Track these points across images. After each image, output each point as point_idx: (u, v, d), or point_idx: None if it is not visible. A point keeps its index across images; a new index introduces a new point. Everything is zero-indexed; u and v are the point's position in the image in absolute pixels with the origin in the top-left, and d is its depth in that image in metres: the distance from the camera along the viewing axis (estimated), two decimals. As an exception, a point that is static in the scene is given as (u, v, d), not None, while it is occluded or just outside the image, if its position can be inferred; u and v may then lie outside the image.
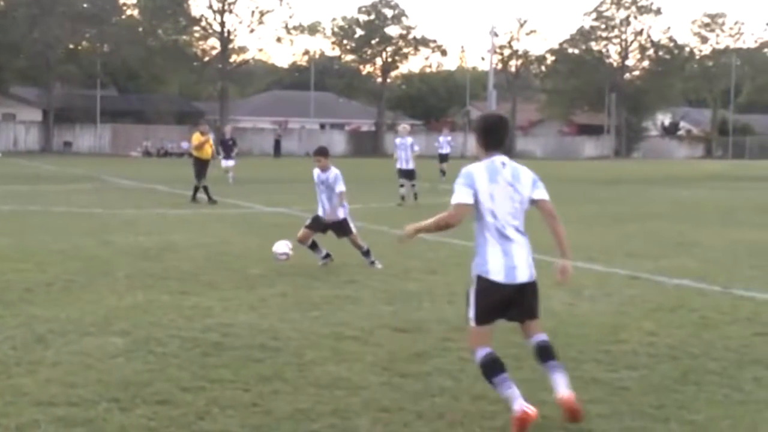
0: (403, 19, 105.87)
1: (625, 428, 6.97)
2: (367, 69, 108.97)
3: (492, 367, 6.77)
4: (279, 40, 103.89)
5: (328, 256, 14.90)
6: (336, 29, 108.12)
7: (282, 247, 14.53)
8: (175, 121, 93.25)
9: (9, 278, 13.35)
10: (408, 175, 28.76)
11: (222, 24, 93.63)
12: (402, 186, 28.61)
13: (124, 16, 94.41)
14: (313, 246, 14.94)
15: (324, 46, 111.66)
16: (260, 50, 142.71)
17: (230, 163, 38.07)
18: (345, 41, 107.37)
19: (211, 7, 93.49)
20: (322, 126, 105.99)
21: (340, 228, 15.05)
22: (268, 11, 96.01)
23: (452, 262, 15.39)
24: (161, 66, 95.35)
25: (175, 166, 53.59)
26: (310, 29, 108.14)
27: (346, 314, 11.01)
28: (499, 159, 6.90)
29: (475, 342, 6.91)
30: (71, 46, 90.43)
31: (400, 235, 7.31)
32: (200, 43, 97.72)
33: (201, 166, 28.73)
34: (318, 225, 15.02)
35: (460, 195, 6.79)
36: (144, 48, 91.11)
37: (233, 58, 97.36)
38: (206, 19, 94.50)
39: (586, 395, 7.49)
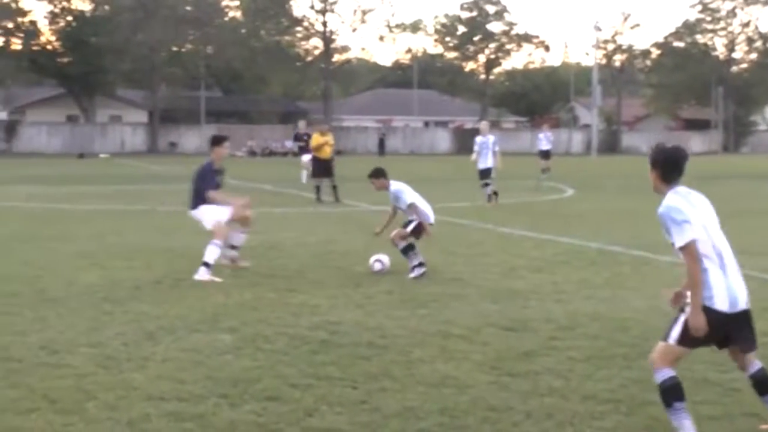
0: (506, 15, 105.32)
1: (737, 430, 6.82)
2: (469, 66, 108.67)
3: (675, 391, 6.35)
4: (381, 38, 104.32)
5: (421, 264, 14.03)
6: (438, 27, 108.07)
7: (376, 261, 14.05)
8: (279, 121, 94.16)
9: (118, 276, 13.59)
10: (488, 174, 27.56)
11: (324, 24, 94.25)
12: (486, 185, 27.41)
13: (226, 18, 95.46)
14: (405, 252, 14.15)
15: (426, 43, 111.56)
16: (363, 49, 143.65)
17: (307, 158, 37.86)
18: (447, 38, 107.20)
19: (313, 7, 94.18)
20: (426, 124, 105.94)
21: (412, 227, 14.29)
22: (369, 10, 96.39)
23: (558, 260, 15.23)
24: (264, 67, 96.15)
25: (279, 166, 54.02)
26: (412, 27, 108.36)
27: (453, 312, 10.97)
28: (682, 189, 6.55)
29: (664, 361, 6.43)
30: (175, 49, 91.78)
31: (701, 325, 6.33)
32: (303, 43, 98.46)
33: (319, 165, 28.84)
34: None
35: (686, 233, 6.31)
36: (247, 49, 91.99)
37: (336, 57, 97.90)
38: (308, 19, 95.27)
39: (697, 396, 7.34)
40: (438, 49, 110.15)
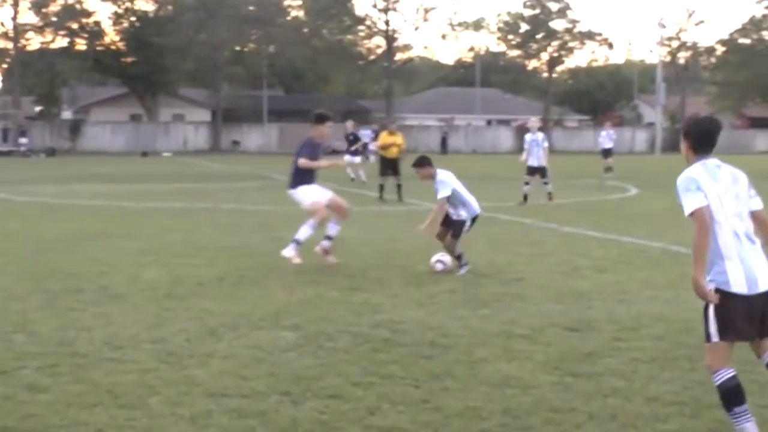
0: (568, 12, 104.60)
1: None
2: (532, 64, 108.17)
3: (735, 394, 6.16)
4: (444, 37, 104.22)
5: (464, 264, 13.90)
6: (501, 24, 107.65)
7: (437, 261, 13.82)
8: (341, 119, 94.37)
9: (181, 273, 13.69)
10: (540, 172, 27.10)
11: (386, 22, 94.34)
12: (527, 184, 26.75)
13: (288, 18, 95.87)
14: (459, 257, 13.92)
15: (489, 41, 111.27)
16: (425, 48, 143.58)
17: (354, 159, 37.77)
18: (510, 36, 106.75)
19: (375, 6, 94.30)
20: (489, 122, 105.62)
21: (454, 225, 13.97)
22: (432, 8, 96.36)
23: (622, 260, 15.08)
24: (326, 66, 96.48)
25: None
26: (475, 25, 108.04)
27: (515, 312, 10.90)
28: (711, 161, 6.37)
29: (716, 361, 6.24)
30: (237, 48, 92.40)
31: (702, 293, 6.21)
32: (365, 42, 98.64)
33: (385, 164, 28.85)
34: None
35: (693, 200, 6.15)
36: (309, 48, 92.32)
37: (398, 56, 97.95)
38: (370, 18, 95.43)
39: (762, 400, 7.21)
40: (501, 47, 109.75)
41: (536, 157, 27.02)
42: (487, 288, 12.53)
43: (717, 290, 6.17)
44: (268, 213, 23.61)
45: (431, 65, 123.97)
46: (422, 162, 14.28)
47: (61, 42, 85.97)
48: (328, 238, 14.71)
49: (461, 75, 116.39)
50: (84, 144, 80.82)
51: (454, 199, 13.95)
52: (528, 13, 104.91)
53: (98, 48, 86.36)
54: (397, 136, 29.42)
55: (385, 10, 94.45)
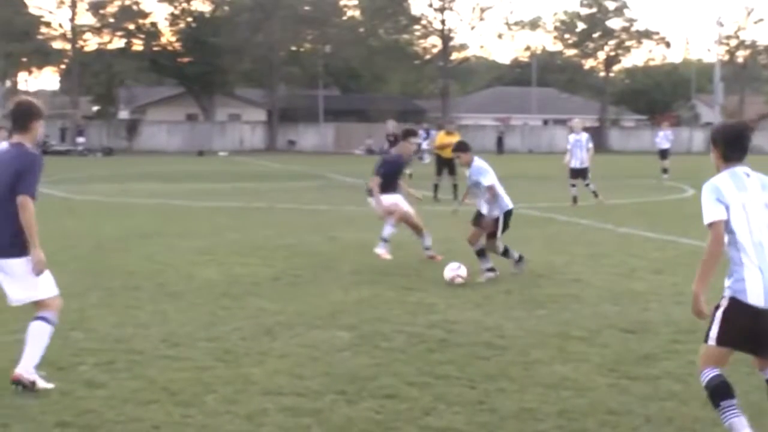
0: (625, 11, 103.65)
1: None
2: (589, 63, 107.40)
3: (722, 389, 6.14)
4: (500, 36, 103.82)
5: (521, 259, 13.69)
6: (557, 23, 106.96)
7: (450, 272, 12.93)
8: (397, 119, 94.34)
9: (237, 272, 13.76)
10: (582, 174, 26.65)
11: (442, 22, 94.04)
12: (574, 186, 26.37)
13: (345, 17, 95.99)
14: (505, 252, 13.64)
15: (545, 41, 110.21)
16: (481, 47, 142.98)
17: None
18: (567, 35, 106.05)
19: (431, 5, 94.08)
20: (545, 122, 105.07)
21: (485, 220, 13.42)
22: (488, 7, 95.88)
23: (679, 262, 14.91)
24: (382, 65, 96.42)
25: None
26: (531, 24, 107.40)
27: (572, 314, 10.83)
28: (741, 169, 6.24)
29: (707, 361, 6.25)
30: (293, 48, 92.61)
31: (698, 309, 6.21)
32: (421, 41, 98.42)
33: (441, 164, 28.79)
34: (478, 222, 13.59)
35: (712, 211, 6.09)
36: (365, 48, 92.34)
37: (454, 55, 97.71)
38: (426, 17, 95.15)
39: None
40: (557, 47, 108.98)
41: (578, 159, 26.67)
42: (544, 289, 12.46)
43: (732, 298, 6.09)
44: (323, 212, 23.67)
45: (487, 65, 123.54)
46: (465, 147, 13.97)
47: (119, 43, 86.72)
48: (427, 248, 15.20)
49: (517, 74, 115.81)
50: (141, 143, 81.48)
51: (486, 191, 13.44)
52: (585, 11, 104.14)
53: (155, 48, 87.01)
54: (454, 137, 29.24)
55: (441, 10, 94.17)
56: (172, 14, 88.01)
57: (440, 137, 29.81)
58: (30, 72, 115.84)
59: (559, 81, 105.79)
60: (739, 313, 6.06)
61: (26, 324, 7.82)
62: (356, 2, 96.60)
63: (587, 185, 26.58)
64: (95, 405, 7.25)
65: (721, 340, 6.15)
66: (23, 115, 7.82)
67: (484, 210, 13.46)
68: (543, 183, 30.59)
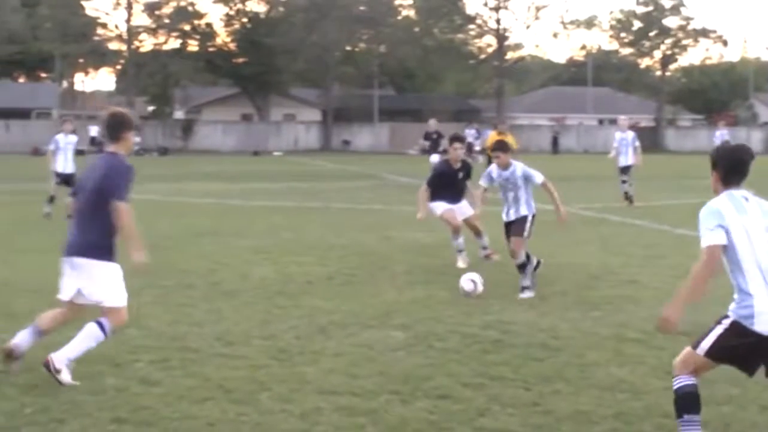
0: (682, 9, 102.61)
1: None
2: (645, 62, 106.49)
3: (691, 401, 6.02)
4: (555, 35, 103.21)
5: (539, 264, 12.48)
6: (613, 22, 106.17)
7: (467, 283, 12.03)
8: (451, 119, 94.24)
9: (291, 271, 13.79)
10: (628, 172, 26.27)
11: (497, 21, 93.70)
12: (624, 182, 26.13)
13: (399, 17, 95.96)
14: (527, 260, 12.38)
15: (601, 39, 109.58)
16: (536, 46, 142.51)
17: (436, 158, 37.39)
18: (622, 34, 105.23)
19: (486, 4, 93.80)
20: (600, 122, 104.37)
21: (516, 223, 12.51)
22: (543, 6, 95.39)
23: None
24: (437, 65, 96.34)
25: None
26: (587, 23, 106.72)
27: (627, 315, 10.72)
28: (739, 193, 6.08)
29: (686, 367, 6.11)
30: (348, 48, 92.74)
31: (664, 326, 6.20)
32: (476, 41, 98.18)
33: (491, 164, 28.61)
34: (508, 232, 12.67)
35: (712, 235, 5.95)
36: (420, 48, 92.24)
37: (509, 55, 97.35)
38: (481, 16, 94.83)
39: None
40: (613, 45, 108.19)
41: (625, 157, 26.44)
42: (599, 290, 12.36)
43: (736, 322, 5.91)
44: (378, 212, 23.67)
45: (542, 64, 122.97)
46: (506, 147, 12.87)
47: (174, 43, 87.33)
48: (484, 248, 15.18)
49: (573, 74, 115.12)
50: (196, 143, 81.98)
51: (522, 192, 12.62)
52: (641, 10, 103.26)
53: (210, 49, 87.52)
54: (507, 137, 29.11)
55: (496, 9, 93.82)
56: (227, 15, 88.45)
57: (491, 137, 29.69)
58: (86, 73, 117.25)
59: (615, 80, 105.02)
60: (740, 336, 5.90)
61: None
62: (411, 2, 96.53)
63: (628, 183, 26.22)
64: (151, 402, 7.30)
65: (712, 353, 6.01)
66: (116, 126, 8.13)
67: (512, 214, 12.57)
68: (598, 183, 30.36)
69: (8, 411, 7.11)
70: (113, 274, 7.96)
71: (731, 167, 6.14)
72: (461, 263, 14.33)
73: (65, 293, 8.00)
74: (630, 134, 26.90)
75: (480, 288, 11.82)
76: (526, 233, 12.40)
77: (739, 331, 5.88)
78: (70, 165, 22.27)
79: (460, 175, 14.99)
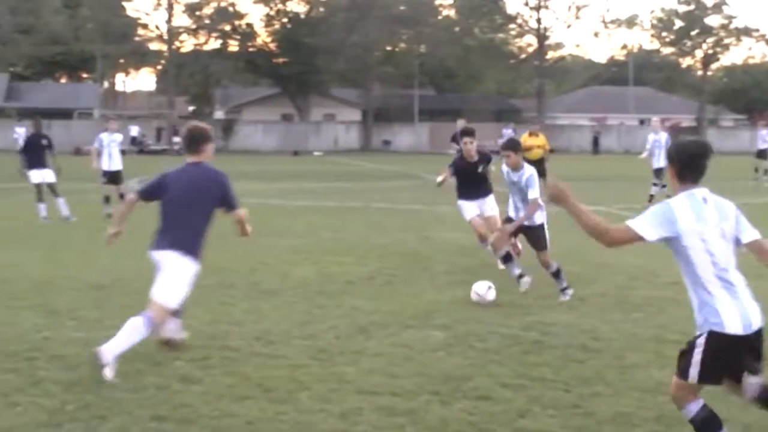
0: (724, 8, 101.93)
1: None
2: (686, 61, 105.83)
3: (712, 423, 5.88)
4: (596, 34, 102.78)
5: (521, 276, 12.26)
6: (654, 21, 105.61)
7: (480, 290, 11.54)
8: (492, 119, 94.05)
9: (331, 270, 13.81)
10: (659, 174, 25.76)
11: (538, 20, 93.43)
12: (655, 185, 25.74)
13: (440, 17, 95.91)
14: (507, 258, 12.45)
15: (642, 39, 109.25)
16: (577, 46, 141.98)
17: None
18: (664, 33, 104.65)
19: (527, 4, 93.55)
20: (641, 122, 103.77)
21: (533, 235, 12.35)
22: (584, 6, 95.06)
23: (782, 265, 14.55)
24: (477, 64, 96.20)
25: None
26: (628, 22, 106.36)
27: (668, 317, 10.65)
28: (699, 193, 5.84)
29: (686, 397, 5.93)
30: (389, 48, 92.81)
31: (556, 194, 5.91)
32: (516, 40, 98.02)
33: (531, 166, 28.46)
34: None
35: (646, 225, 5.72)
36: (460, 47, 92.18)
37: (549, 54, 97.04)
38: (522, 16, 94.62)
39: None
40: (654, 45, 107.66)
41: (658, 159, 25.90)
42: (640, 291, 12.29)
43: (711, 333, 5.71)
44: (418, 212, 23.66)
45: (583, 64, 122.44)
46: (517, 147, 12.31)
47: (214, 44, 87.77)
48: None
49: (613, 73, 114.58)
50: (236, 143, 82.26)
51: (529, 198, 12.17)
52: (682, 9, 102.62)
53: (250, 49, 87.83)
54: (538, 138, 28.88)
55: (537, 8, 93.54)
56: (268, 15, 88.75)
57: (523, 139, 29.52)
58: (127, 73, 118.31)
59: (656, 80, 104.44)
60: (721, 348, 5.72)
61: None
62: (451, 1, 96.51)
63: (655, 185, 25.92)
64: (190, 400, 7.34)
65: (702, 378, 5.83)
66: (197, 140, 8.83)
67: (538, 219, 12.29)
68: (638, 184, 30.14)
69: (51, 408, 7.18)
70: (187, 273, 8.39)
71: (686, 164, 5.88)
72: (501, 265, 14.20)
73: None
74: (663, 136, 26.59)
75: (489, 297, 11.38)
76: (548, 243, 12.25)
77: (716, 342, 5.70)
78: (114, 162, 22.42)
79: (480, 168, 14.50)
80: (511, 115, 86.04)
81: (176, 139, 73.69)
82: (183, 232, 8.42)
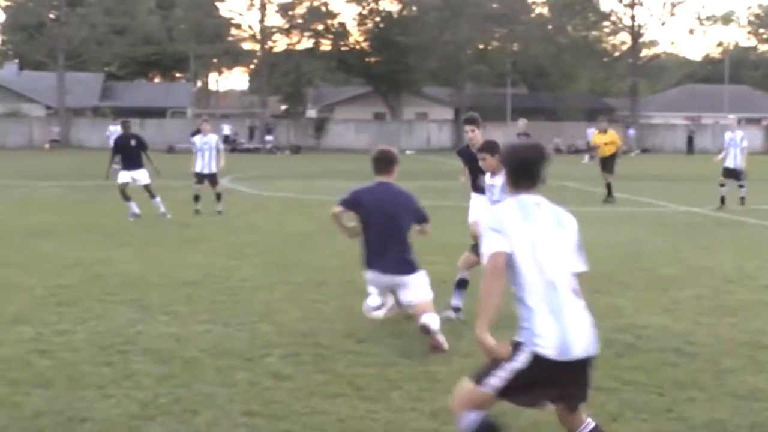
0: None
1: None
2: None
3: None
4: (691, 32, 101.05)
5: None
6: (751, 18, 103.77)
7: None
8: (585, 118, 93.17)
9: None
10: (734, 174, 25.20)
11: (632, 18, 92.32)
12: (723, 186, 24.87)
13: (532, 15, 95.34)
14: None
15: (739, 36, 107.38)
16: (672, 43, 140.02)
17: None
18: (761, 30, 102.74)
19: (621, 1, 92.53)
20: (738, 121, 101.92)
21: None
22: (679, 2, 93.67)
23: None
24: (570, 63, 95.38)
25: (583, 164, 53.45)
26: (724, 19, 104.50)
27: (764, 322, 10.45)
28: (531, 199, 5.44)
29: (469, 405, 5.46)
30: (481, 47, 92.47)
31: (489, 347, 5.42)
32: (610, 38, 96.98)
33: (602, 163, 28.32)
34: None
35: (493, 242, 5.30)
36: (553, 45, 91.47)
37: (644, 52, 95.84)
38: (616, 13, 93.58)
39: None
40: (751, 42, 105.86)
41: (732, 158, 25.38)
42: (735, 295, 12.07)
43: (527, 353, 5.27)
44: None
45: (678, 61, 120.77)
46: (493, 149, 10.64)
47: (307, 43, 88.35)
48: None
49: (709, 71, 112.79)
50: (328, 142, 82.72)
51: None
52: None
53: (343, 48, 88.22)
54: (607, 135, 28.63)
55: (631, 5, 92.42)
56: (360, 14, 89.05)
57: (594, 136, 29.32)
58: (220, 72, 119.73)
59: (753, 78, 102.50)
60: (533, 370, 5.25)
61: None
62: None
63: (740, 187, 25.23)
64: (282, 396, 7.40)
65: (503, 395, 5.37)
66: (387, 162, 10.35)
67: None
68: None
69: (143, 400, 7.30)
70: (423, 278, 9.79)
71: (517, 170, 5.49)
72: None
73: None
74: (739, 134, 25.92)
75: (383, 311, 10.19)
76: None
77: (532, 365, 5.26)
78: (207, 165, 22.37)
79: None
80: (605, 114, 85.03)
81: (268, 137, 74.40)
82: (400, 254, 9.60)
